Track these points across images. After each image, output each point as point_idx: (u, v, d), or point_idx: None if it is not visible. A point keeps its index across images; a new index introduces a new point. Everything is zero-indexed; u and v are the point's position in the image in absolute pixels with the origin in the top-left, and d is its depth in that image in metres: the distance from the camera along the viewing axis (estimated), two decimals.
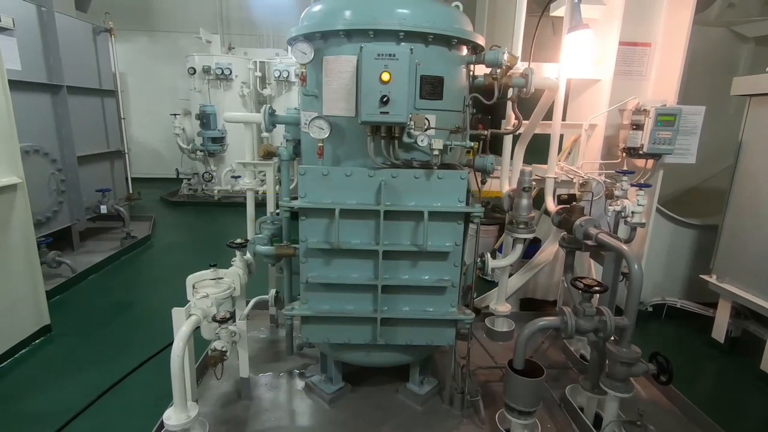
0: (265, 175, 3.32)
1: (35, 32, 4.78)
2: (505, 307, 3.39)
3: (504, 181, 3.38)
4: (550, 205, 3.20)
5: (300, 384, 2.79)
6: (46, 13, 4.85)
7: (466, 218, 2.24)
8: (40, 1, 4.78)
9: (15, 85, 4.40)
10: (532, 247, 3.89)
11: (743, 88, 3.39)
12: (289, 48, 2.15)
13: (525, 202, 2.88)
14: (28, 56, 4.64)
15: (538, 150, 3.44)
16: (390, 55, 1.86)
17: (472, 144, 2.18)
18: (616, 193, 2.96)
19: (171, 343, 1.99)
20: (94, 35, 5.99)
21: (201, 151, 8.26)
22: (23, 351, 3.36)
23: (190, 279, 2.29)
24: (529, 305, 4.07)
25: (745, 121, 3.44)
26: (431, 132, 2.07)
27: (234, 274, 2.42)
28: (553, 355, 3.25)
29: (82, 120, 5.64)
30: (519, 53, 3.10)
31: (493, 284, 3.97)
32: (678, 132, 3.15)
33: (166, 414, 2.02)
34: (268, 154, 2.61)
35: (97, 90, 6.07)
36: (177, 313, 2.12)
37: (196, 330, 2.14)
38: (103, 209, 5.65)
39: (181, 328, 2.01)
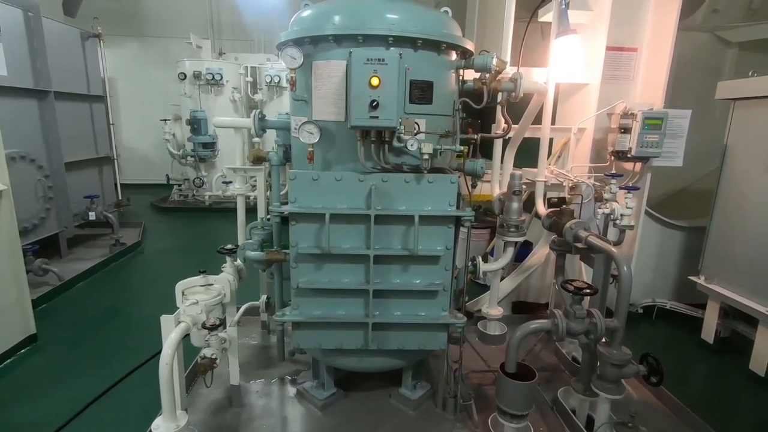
0: (255, 181, 3.31)
1: (22, 37, 4.73)
2: (497, 311, 3.40)
3: (494, 185, 3.40)
4: (541, 208, 3.23)
5: (292, 390, 2.77)
6: (32, 18, 4.80)
7: (457, 222, 2.25)
8: (27, 6, 4.73)
9: (1, 90, 4.36)
10: (524, 250, 3.91)
11: (727, 92, 3.45)
12: (279, 53, 2.16)
13: (515, 205, 2.90)
14: (14, 61, 4.58)
15: (527, 154, 3.47)
16: (379, 59, 1.87)
17: (462, 148, 2.19)
18: (605, 196, 2.99)
19: (160, 351, 1.96)
20: (83, 40, 5.94)
21: (192, 156, 8.21)
22: (8, 361, 3.29)
23: (180, 286, 2.27)
24: (521, 308, 4.08)
25: (729, 125, 3.50)
26: (421, 136, 2.08)
27: (224, 280, 2.40)
28: (546, 357, 3.26)
29: (70, 126, 5.58)
30: (508, 58, 3.13)
31: (485, 288, 3.98)
32: (665, 135, 3.19)
33: (155, 423, 1.99)
34: (258, 159, 2.60)
35: (86, 95, 6.02)
36: (166, 320, 2.09)
37: (186, 337, 2.12)
38: (92, 216, 5.58)
39: (170, 336, 1.99)
